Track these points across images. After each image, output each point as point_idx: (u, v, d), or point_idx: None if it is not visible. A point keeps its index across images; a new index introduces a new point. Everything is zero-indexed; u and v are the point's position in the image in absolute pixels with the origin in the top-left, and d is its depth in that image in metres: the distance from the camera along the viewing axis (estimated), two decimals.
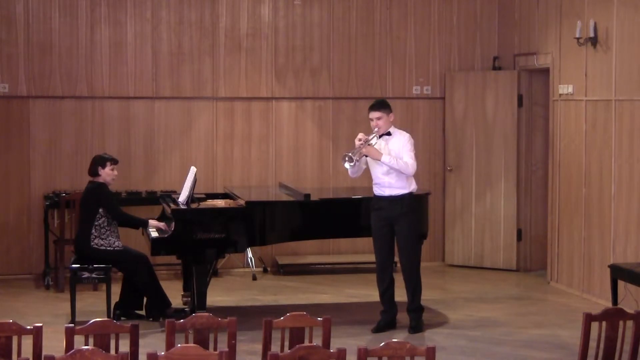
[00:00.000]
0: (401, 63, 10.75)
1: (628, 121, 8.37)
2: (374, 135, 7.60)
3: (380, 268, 7.76)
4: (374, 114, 7.64)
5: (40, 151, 10.00)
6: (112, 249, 7.90)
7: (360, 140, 7.49)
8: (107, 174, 7.98)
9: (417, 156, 7.82)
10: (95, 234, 7.87)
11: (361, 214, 8.02)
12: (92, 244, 7.86)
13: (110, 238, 7.91)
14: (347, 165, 7.45)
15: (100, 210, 7.88)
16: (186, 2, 10.29)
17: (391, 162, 7.46)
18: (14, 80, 9.93)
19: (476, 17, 10.87)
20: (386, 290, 7.75)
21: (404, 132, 7.77)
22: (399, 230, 7.64)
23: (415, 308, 7.77)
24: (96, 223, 7.88)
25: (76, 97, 10.08)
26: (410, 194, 7.65)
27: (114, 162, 8.05)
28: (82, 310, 7.94)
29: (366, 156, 7.56)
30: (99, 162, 8.01)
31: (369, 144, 7.50)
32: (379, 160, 7.49)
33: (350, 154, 7.42)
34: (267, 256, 10.41)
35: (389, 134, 7.66)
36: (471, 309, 8.66)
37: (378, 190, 7.69)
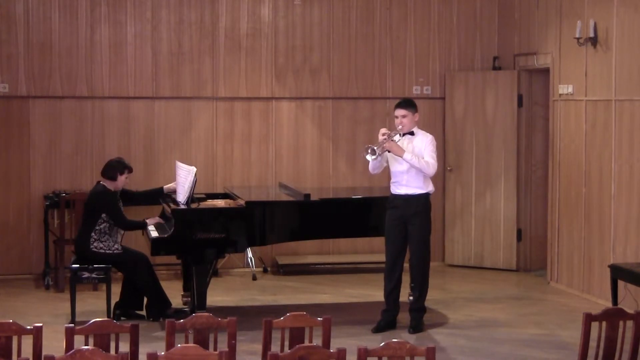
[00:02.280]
0: (401, 63, 10.75)
1: (628, 121, 8.37)
2: (397, 132, 7.60)
3: (390, 267, 7.75)
4: (400, 112, 7.65)
5: (40, 151, 10.00)
6: (111, 252, 7.90)
7: (383, 134, 7.48)
8: (121, 181, 8.02)
9: (438, 157, 7.81)
10: (95, 237, 7.87)
11: (361, 214, 8.02)
12: (92, 246, 7.86)
13: (109, 241, 7.91)
14: (368, 157, 7.42)
15: (103, 215, 7.88)
16: (186, 2, 10.28)
17: (412, 160, 7.46)
18: (14, 80, 9.93)
19: (476, 17, 10.87)
20: (393, 290, 7.74)
21: (428, 133, 7.77)
22: (412, 230, 7.63)
23: (419, 308, 7.78)
24: (97, 227, 7.88)
25: (76, 97, 10.08)
26: (426, 195, 7.66)
27: (130, 170, 8.12)
28: (82, 310, 7.94)
29: (388, 151, 7.55)
30: (119, 168, 7.99)
31: (392, 140, 7.50)
32: (401, 157, 7.48)
33: (374, 147, 7.41)
34: (267, 256, 10.41)
35: (412, 133, 7.66)
36: (471, 309, 8.66)
37: (395, 189, 7.68)
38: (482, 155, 10.57)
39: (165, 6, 10.24)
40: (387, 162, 7.71)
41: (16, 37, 9.92)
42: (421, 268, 7.75)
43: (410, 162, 7.48)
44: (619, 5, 8.45)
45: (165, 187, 8.40)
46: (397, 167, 7.62)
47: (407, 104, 7.75)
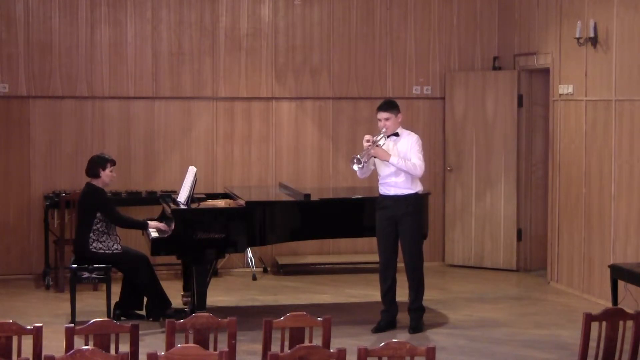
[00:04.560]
0: (401, 63, 10.75)
1: (628, 121, 8.37)
2: (381, 136, 7.59)
3: (384, 267, 7.75)
4: (382, 115, 7.63)
5: (40, 151, 10.00)
6: (110, 252, 7.88)
7: (368, 141, 7.48)
8: (107, 175, 7.96)
9: (425, 157, 7.81)
10: (94, 238, 7.85)
11: (361, 214, 8.02)
12: (91, 247, 7.84)
13: (108, 241, 7.89)
14: (355, 167, 7.43)
15: (98, 214, 7.86)
16: (186, 2, 10.29)
17: (399, 164, 7.46)
18: (14, 80, 9.93)
19: (476, 17, 10.87)
20: (388, 290, 7.74)
21: (412, 133, 7.75)
22: (402, 230, 7.63)
23: (417, 308, 7.77)
24: (94, 227, 7.85)
25: (76, 97, 10.08)
26: (415, 194, 7.65)
27: (113, 163, 8.03)
28: (82, 310, 7.94)
29: (374, 157, 7.55)
30: (99, 163, 7.97)
31: (377, 145, 7.50)
32: (387, 162, 7.49)
33: (358, 157, 7.40)
34: (267, 256, 10.41)
35: (396, 134, 7.65)
36: (471, 309, 8.66)
37: (383, 190, 7.68)
38: (482, 155, 10.57)
39: (165, 6, 10.24)
40: (375, 165, 7.71)
41: (16, 37, 9.92)
42: (415, 268, 7.74)
43: (397, 166, 7.48)
44: (619, 5, 8.45)
45: (150, 222, 8.07)
46: (385, 170, 7.62)
47: (389, 105, 7.71)
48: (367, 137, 7.54)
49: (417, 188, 7.69)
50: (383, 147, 7.54)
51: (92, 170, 7.98)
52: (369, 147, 7.44)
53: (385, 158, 7.47)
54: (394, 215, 7.63)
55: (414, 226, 7.66)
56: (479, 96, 10.58)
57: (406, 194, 7.61)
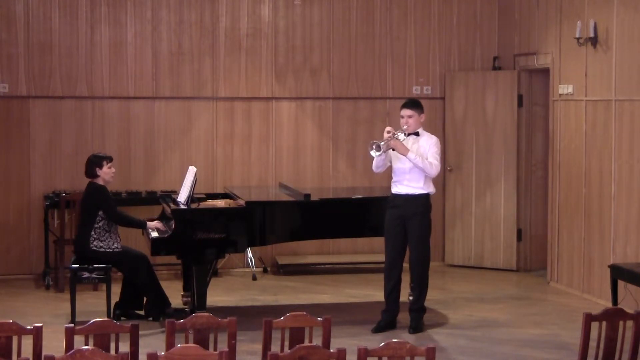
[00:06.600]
0: (401, 63, 10.75)
1: (628, 121, 8.37)
2: (402, 132, 7.61)
3: (390, 266, 7.75)
4: (406, 112, 7.66)
5: (40, 151, 10.00)
6: (111, 250, 7.89)
7: (389, 132, 7.50)
8: (105, 172, 7.98)
9: (441, 159, 7.81)
10: (95, 236, 7.86)
11: (361, 214, 8.02)
12: (92, 245, 7.85)
13: (109, 240, 7.90)
14: (373, 153, 7.44)
15: (100, 212, 7.87)
16: (186, 2, 10.28)
17: (416, 160, 7.47)
18: (14, 80, 9.93)
19: (476, 17, 10.87)
20: (393, 290, 7.74)
21: (433, 135, 7.78)
22: (411, 229, 7.64)
23: (418, 308, 7.78)
24: (96, 225, 7.87)
25: (76, 97, 10.08)
26: (426, 195, 7.67)
27: (109, 159, 8.05)
28: (82, 310, 7.94)
29: (393, 149, 7.56)
30: (95, 162, 8.00)
31: (396, 139, 7.51)
32: (405, 156, 7.49)
33: (380, 143, 7.42)
34: (267, 256, 10.41)
35: (417, 134, 7.67)
36: (471, 309, 8.66)
37: (395, 188, 7.69)
38: (482, 155, 10.57)
39: (165, 6, 10.24)
40: (391, 161, 7.72)
41: (16, 37, 9.92)
42: (420, 268, 7.75)
43: (413, 162, 7.49)
44: (619, 5, 8.45)
45: (148, 222, 8.08)
46: (400, 165, 7.63)
47: (414, 104, 7.76)
48: (388, 128, 7.57)
49: (429, 189, 7.71)
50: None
51: (90, 171, 8.01)
52: (389, 138, 7.45)
53: (404, 152, 7.48)
54: (403, 215, 7.63)
55: (422, 226, 7.68)
56: (479, 96, 10.58)
57: (417, 193, 7.62)
